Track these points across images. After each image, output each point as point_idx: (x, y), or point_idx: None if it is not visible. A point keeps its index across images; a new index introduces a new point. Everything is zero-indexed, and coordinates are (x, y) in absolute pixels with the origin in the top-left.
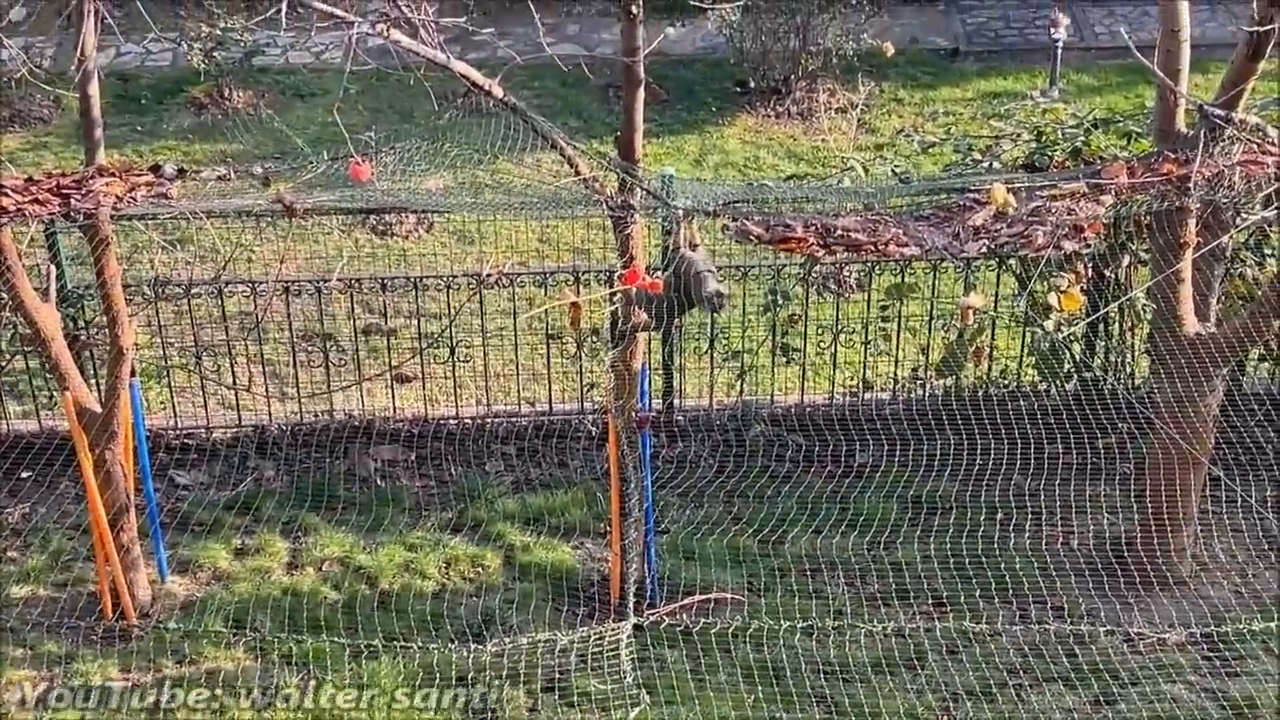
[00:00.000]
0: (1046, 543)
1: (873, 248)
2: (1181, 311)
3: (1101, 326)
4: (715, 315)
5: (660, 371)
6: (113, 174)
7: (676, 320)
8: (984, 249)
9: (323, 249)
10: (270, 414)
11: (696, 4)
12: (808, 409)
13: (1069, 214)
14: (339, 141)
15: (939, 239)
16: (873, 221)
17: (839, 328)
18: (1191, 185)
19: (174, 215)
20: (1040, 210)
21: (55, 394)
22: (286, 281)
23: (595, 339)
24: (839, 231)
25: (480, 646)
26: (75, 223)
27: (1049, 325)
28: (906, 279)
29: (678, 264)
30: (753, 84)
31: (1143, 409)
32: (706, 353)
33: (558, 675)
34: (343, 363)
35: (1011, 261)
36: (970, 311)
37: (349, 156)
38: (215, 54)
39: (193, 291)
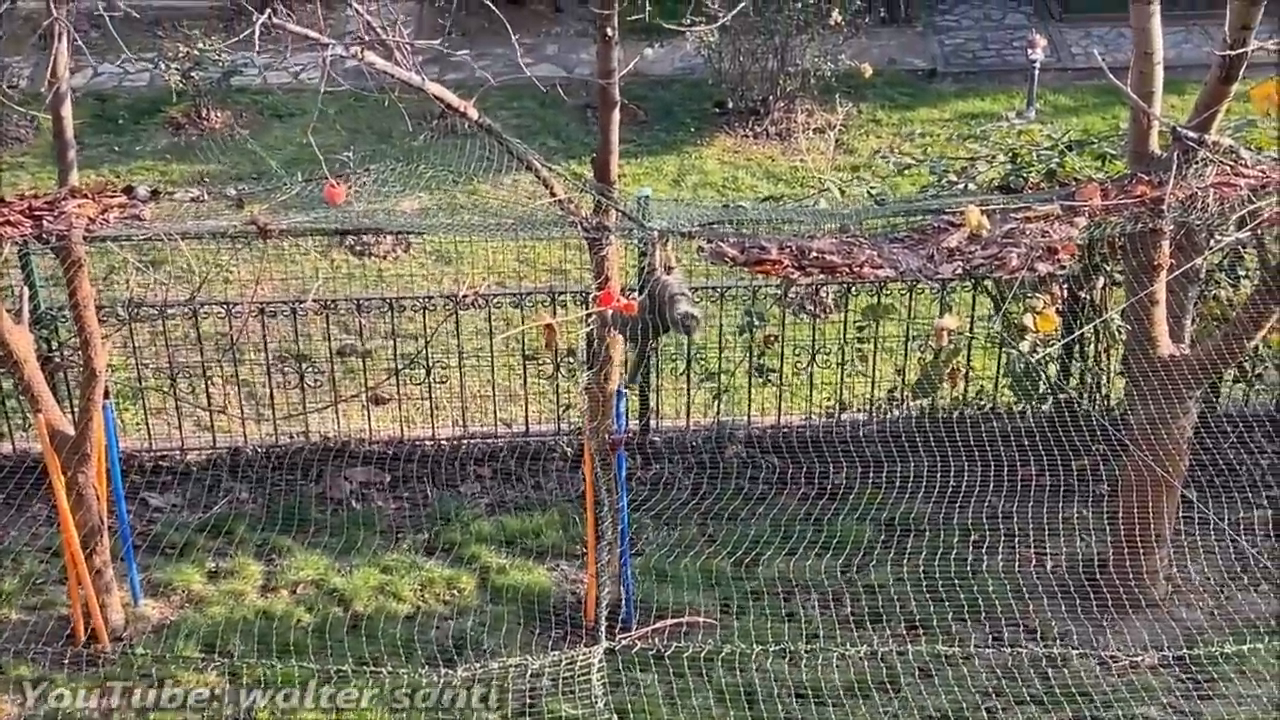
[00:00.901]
0: (1020, 565)
1: (848, 270)
2: (1155, 333)
3: (1077, 348)
4: (690, 337)
5: (636, 393)
6: (85, 195)
7: (652, 342)
8: (959, 271)
9: (299, 270)
10: (245, 436)
11: (675, 26)
12: (784, 430)
13: (1043, 236)
14: (315, 162)
15: (914, 261)
16: (848, 243)
17: (815, 349)
18: (1165, 207)
19: (148, 236)
20: (1015, 232)
21: (28, 416)
22: (262, 303)
23: (571, 360)
24: (814, 253)
25: (451, 671)
26: (48, 244)
27: (1024, 346)
28: (883, 300)
29: (653, 286)
30: (731, 104)
31: (1117, 431)
32: (684, 373)
33: (529, 701)
34: (318, 384)
35: (987, 283)
36: (945, 333)
37: (324, 178)
38: (193, 74)
39: (168, 312)
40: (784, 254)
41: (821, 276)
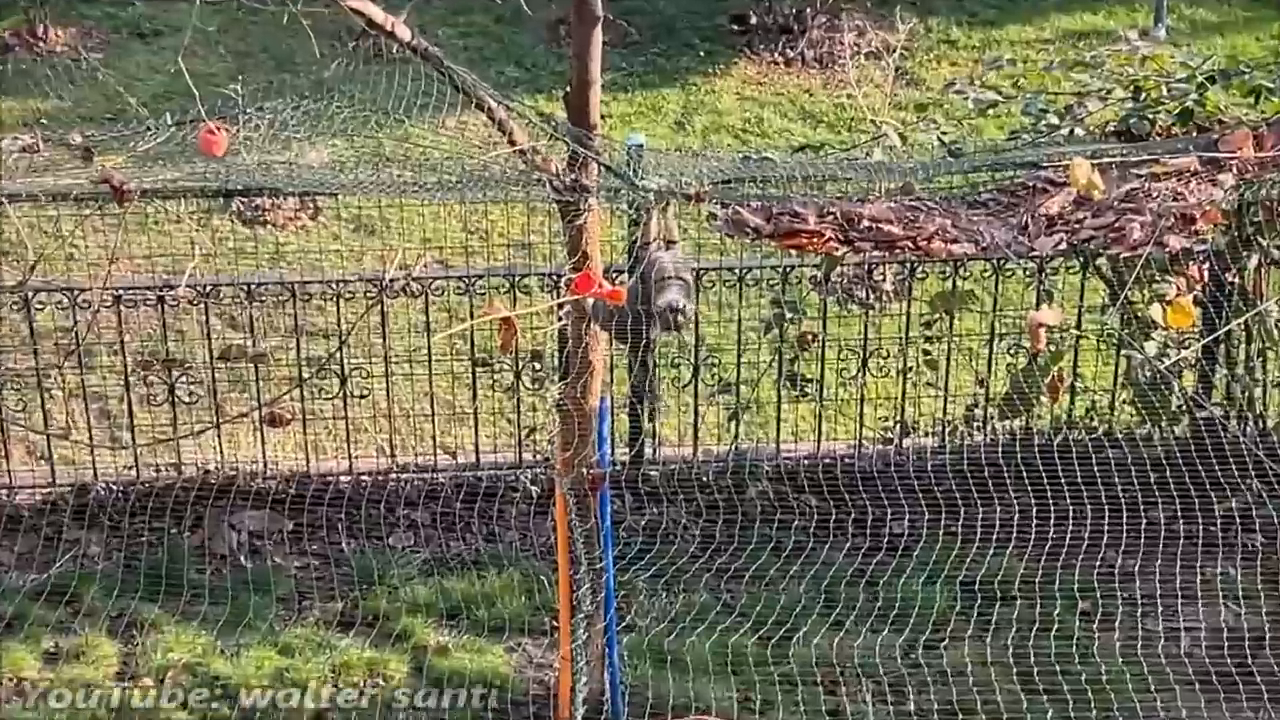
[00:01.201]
0: (1146, 643)
1: (911, 244)
2: None
3: (1222, 349)
4: (684, 335)
5: (626, 410)
6: None
7: (648, 342)
8: (1062, 246)
9: (169, 243)
10: (95, 469)
11: None
12: (825, 461)
13: (1176, 199)
14: (190, 99)
15: (1001, 233)
16: (912, 209)
17: (868, 351)
18: None
19: None
20: (1138, 194)
21: None
22: (119, 288)
23: (537, 367)
24: (867, 223)
25: None
26: None
27: (1151, 348)
28: (959, 285)
29: (646, 266)
30: (754, 20)
31: (1275, 463)
32: (689, 384)
33: None
34: (195, 399)
35: (1100, 262)
36: (1044, 330)
37: (202, 120)
38: None
39: None
40: (826, 223)
41: (876, 253)
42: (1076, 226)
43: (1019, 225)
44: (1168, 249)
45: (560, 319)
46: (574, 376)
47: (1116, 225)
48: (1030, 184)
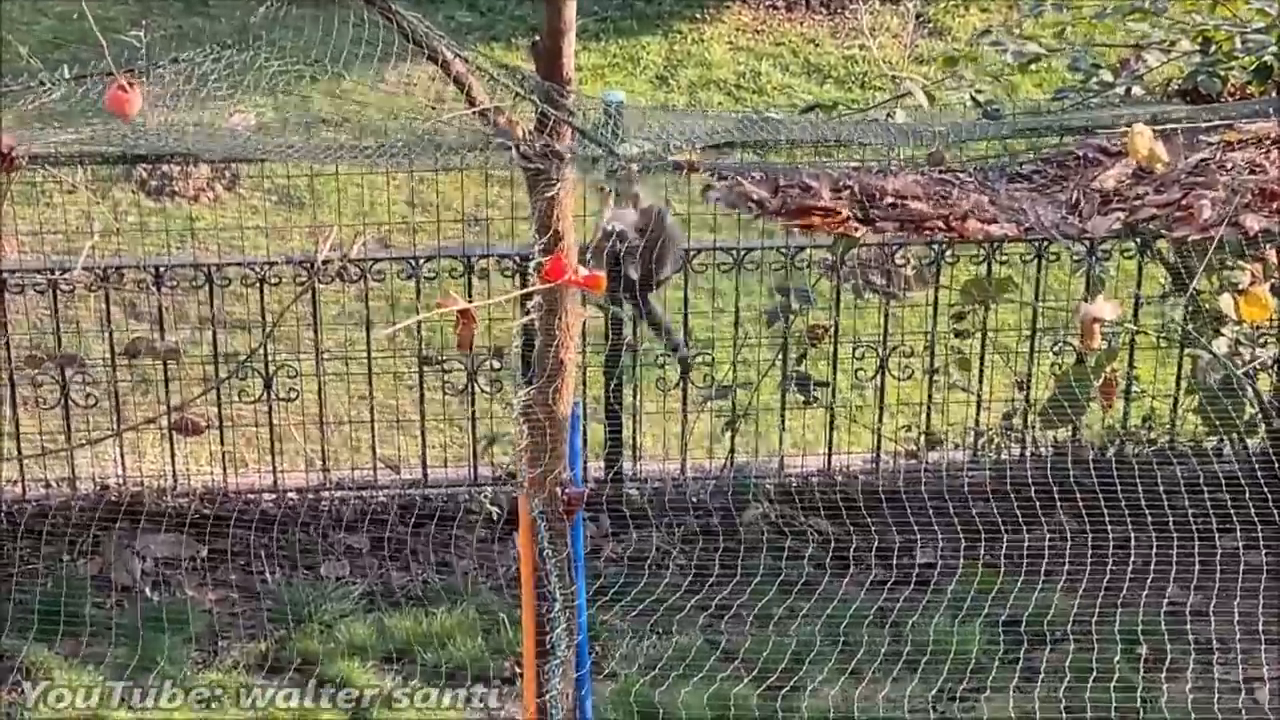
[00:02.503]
0: (1221, 692)
1: (941, 224)
2: None
3: None
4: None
5: (601, 417)
6: None
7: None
8: (1117, 228)
9: (61, 218)
10: None
11: None
12: (838, 478)
13: (1253, 171)
14: (91, 48)
15: (1047, 212)
16: (943, 182)
17: (889, 348)
18: None
19: None
20: (1207, 165)
21: None
22: (1, 270)
23: (498, 366)
24: (888, 199)
25: None
26: None
27: (1221, 346)
28: (995, 271)
29: (653, 228)
30: None
31: None
32: (677, 386)
33: None
34: (92, 402)
35: (1162, 245)
36: (1097, 325)
37: (107, 74)
38: None
39: None
40: (840, 198)
41: (900, 234)
42: (1136, 204)
43: (1067, 203)
44: (1243, 231)
45: (527, 311)
46: (544, 379)
47: (1182, 203)
48: (1080, 154)
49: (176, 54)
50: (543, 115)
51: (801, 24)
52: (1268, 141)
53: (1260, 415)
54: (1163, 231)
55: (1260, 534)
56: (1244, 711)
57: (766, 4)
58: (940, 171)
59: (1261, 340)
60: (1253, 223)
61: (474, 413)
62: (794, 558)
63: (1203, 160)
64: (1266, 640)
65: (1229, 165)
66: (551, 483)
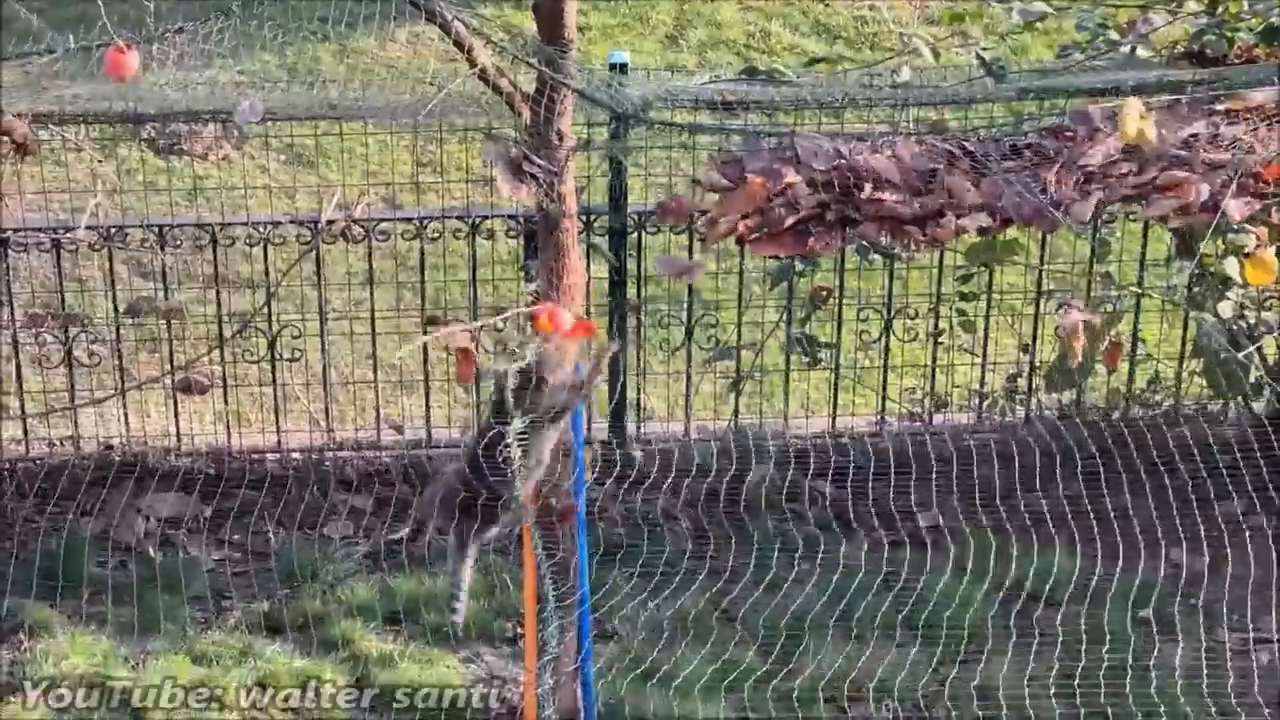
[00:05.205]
0: (1218, 657)
1: (919, 229)
2: None
3: None
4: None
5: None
6: None
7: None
8: (1103, 210)
9: (66, 176)
10: None
11: None
12: (842, 440)
13: (1249, 150)
14: (92, 8)
15: (1027, 197)
16: (933, 157)
17: (893, 310)
18: None
19: None
20: (1195, 142)
21: None
22: (6, 230)
23: (499, 327)
24: (867, 189)
25: None
26: None
27: (1225, 309)
28: (1000, 235)
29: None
30: None
31: None
32: (680, 348)
33: None
34: (96, 361)
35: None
36: (1079, 333)
37: (109, 38)
38: None
39: None
40: (816, 186)
41: (876, 236)
42: (1114, 183)
43: (1055, 182)
44: (1227, 219)
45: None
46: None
47: (1172, 183)
48: (1064, 129)
49: (182, 25)
50: (541, 79)
51: None
52: (1264, 115)
53: (1264, 379)
54: (1145, 214)
55: (1260, 498)
56: (1246, 676)
57: None
58: (942, 139)
59: (1267, 304)
60: (1235, 209)
61: (476, 373)
62: (796, 520)
63: (1193, 135)
64: (1266, 604)
65: (1225, 141)
66: (547, 495)
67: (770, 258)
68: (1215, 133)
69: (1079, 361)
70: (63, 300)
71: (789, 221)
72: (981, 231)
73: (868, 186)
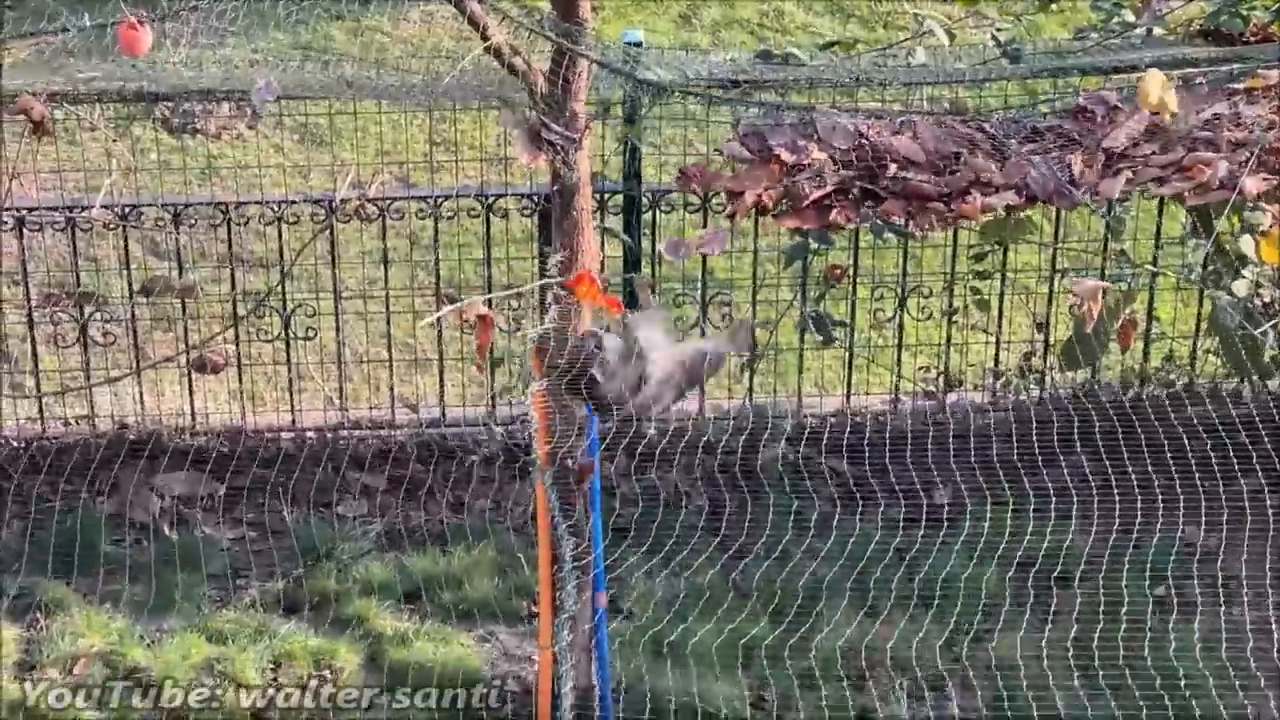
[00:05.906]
0: (1232, 636)
1: (944, 205)
2: None
3: None
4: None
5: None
6: None
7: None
8: (1125, 190)
9: (81, 156)
10: None
11: None
12: (856, 418)
13: (1270, 128)
14: None
15: (1050, 177)
16: (955, 139)
17: (907, 288)
18: None
19: None
20: (1215, 122)
21: None
22: (20, 208)
23: (515, 305)
24: (893, 168)
25: None
26: None
27: (1241, 288)
28: (1015, 214)
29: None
30: None
31: None
32: (694, 327)
33: None
34: (111, 340)
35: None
36: (1096, 297)
37: (121, 15)
38: None
39: None
40: (837, 164)
41: (900, 214)
42: (1138, 163)
43: (1083, 161)
44: (1245, 198)
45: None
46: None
47: (1193, 161)
48: (1083, 107)
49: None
50: (556, 56)
51: None
52: (1277, 94)
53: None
54: (1166, 193)
55: (1275, 476)
56: (1262, 656)
57: None
58: (961, 121)
59: None
60: (1252, 185)
61: (491, 351)
62: (809, 497)
63: (1215, 116)
64: None
65: (1244, 120)
66: (564, 454)
67: (791, 232)
68: (1236, 112)
69: (1093, 325)
70: (77, 279)
71: (814, 195)
72: (1008, 210)
73: (892, 166)
